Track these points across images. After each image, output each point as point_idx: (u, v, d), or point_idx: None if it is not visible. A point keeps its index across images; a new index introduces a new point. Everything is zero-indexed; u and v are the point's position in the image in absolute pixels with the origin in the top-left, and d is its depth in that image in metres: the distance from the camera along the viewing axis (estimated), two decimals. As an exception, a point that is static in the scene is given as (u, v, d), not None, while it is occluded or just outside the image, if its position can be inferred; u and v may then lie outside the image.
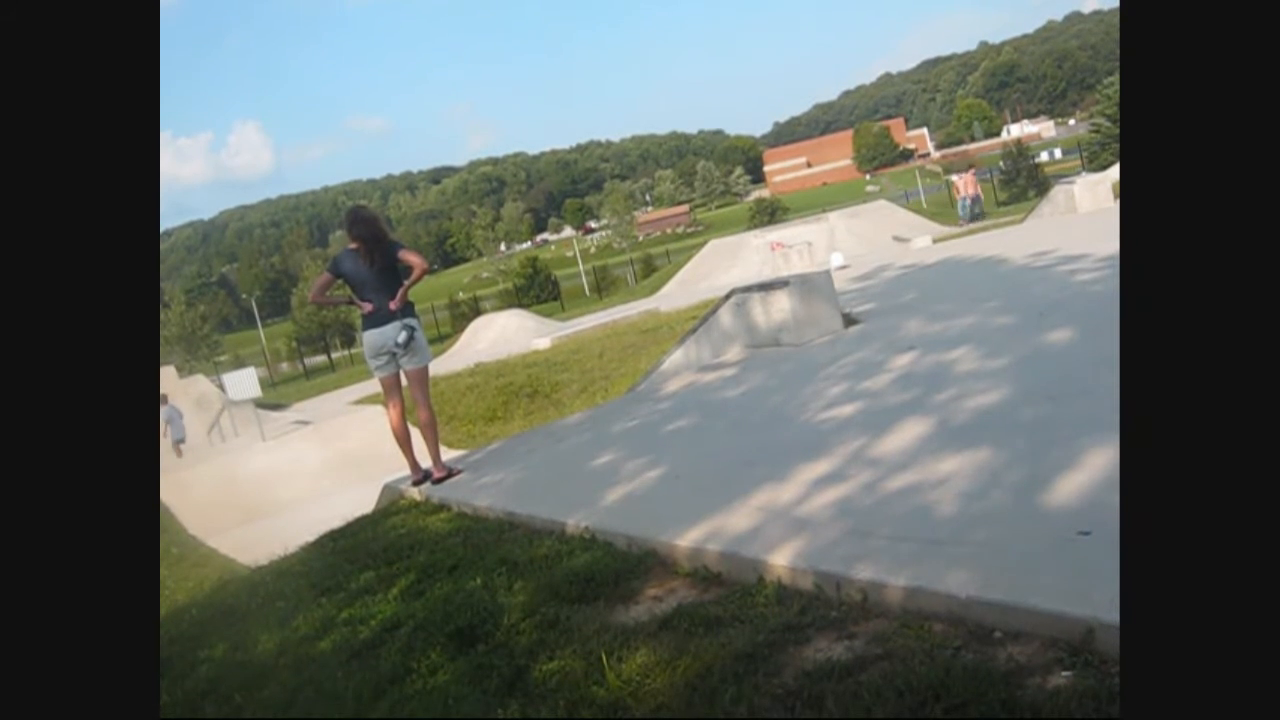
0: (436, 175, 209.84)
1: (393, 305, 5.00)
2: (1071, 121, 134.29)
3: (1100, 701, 1.70)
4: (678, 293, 24.03)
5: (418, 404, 5.18)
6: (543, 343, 18.35)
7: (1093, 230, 10.70)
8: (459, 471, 5.25)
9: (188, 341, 47.25)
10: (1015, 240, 12.65)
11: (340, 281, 5.23)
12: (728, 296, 7.48)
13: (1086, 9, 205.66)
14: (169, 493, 12.73)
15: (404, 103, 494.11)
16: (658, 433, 5.09)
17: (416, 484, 5.19)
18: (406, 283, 5.04)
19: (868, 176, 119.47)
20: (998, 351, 4.95)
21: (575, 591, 2.92)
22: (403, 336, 5.01)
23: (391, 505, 5.24)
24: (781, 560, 2.64)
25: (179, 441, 17.39)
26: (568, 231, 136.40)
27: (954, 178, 31.29)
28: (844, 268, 15.97)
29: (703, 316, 7.86)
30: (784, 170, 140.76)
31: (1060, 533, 2.37)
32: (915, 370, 4.96)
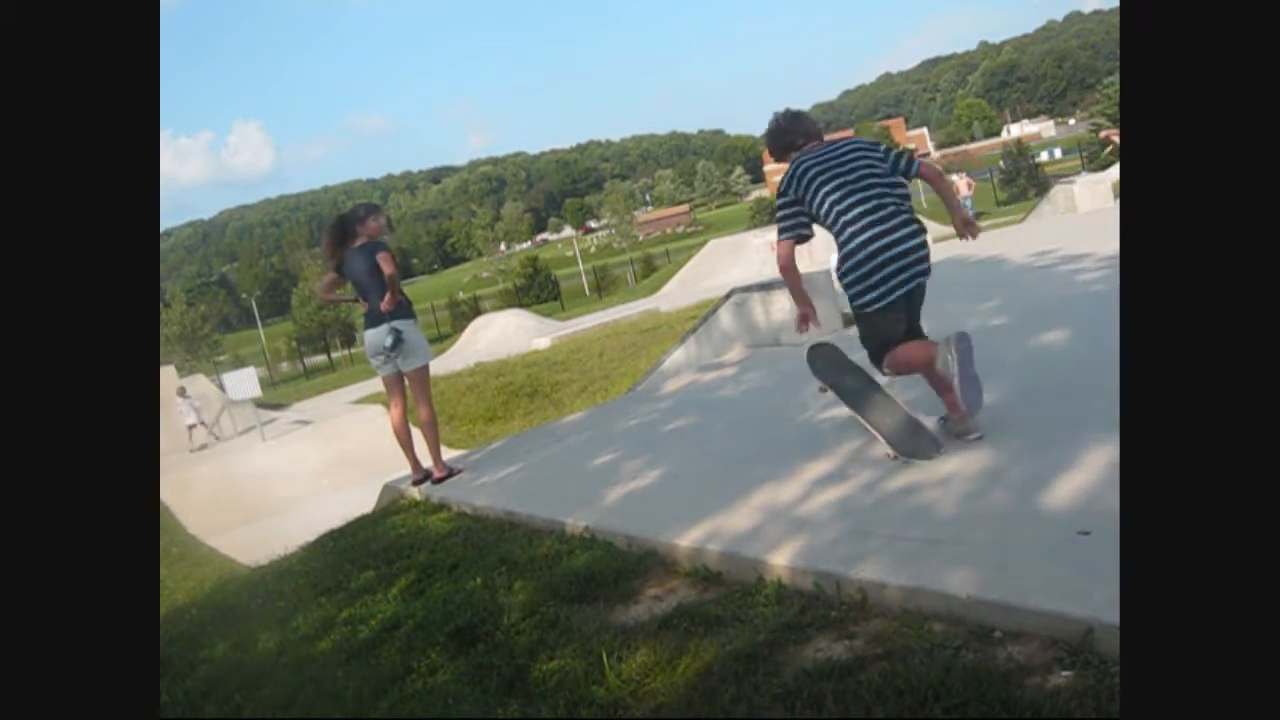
0: (436, 175, 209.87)
1: (383, 307, 4.97)
2: (1071, 121, 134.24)
3: (1100, 701, 1.70)
4: (678, 292, 24.04)
5: (418, 403, 5.17)
6: (543, 342, 18.37)
7: (1093, 230, 10.70)
8: (459, 471, 5.25)
9: (188, 341, 47.23)
10: (1016, 240, 12.65)
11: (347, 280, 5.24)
12: (728, 296, 7.48)
13: (1086, 9, 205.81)
14: (169, 493, 12.74)
15: (404, 102, 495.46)
16: (658, 432, 5.09)
17: (417, 483, 5.19)
18: (388, 288, 5.00)
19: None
20: (998, 351, 4.95)
21: (575, 591, 2.92)
22: (389, 340, 4.98)
23: (391, 505, 5.24)
24: (781, 560, 2.64)
25: (195, 427, 17.70)
26: (568, 231, 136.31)
27: (954, 178, 31.32)
28: (844, 267, 15.95)
29: (703, 316, 7.87)
30: (784, 170, 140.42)
31: (1060, 533, 2.37)
32: (915, 370, 4.95)
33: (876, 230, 3.21)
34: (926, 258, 3.34)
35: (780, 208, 3.49)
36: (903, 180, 3.38)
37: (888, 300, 3.27)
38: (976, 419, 3.32)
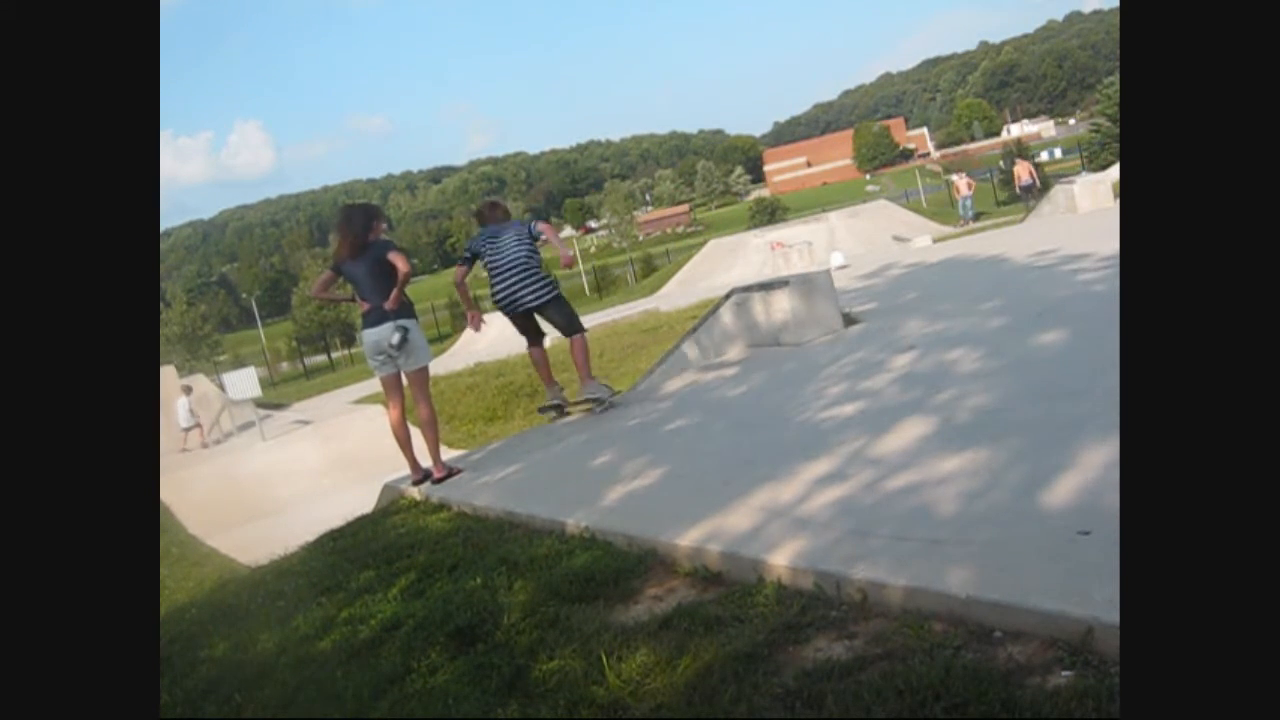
0: (436, 175, 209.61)
1: (387, 306, 4.98)
2: (1071, 121, 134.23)
3: (1100, 701, 1.70)
4: (678, 292, 24.04)
5: (417, 403, 5.17)
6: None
7: (1093, 230, 10.70)
8: (459, 471, 5.25)
9: (188, 341, 47.16)
10: (1016, 240, 12.65)
11: (343, 279, 5.24)
12: (728, 296, 7.48)
13: (1086, 9, 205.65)
14: (169, 492, 12.73)
15: (404, 102, 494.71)
16: (658, 432, 5.09)
17: (417, 483, 5.19)
18: (397, 285, 5.02)
19: (868, 176, 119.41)
20: (998, 351, 4.96)
21: (575, 591, 2.92)
22: (396, 338, 4.98)
23: (391, 505, 5.24)
24: (781, 560, 2.64)
25: (191, 429, 17.53)
26: (568, 231, 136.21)
27: (954, 178, 31.34)
28: (844, 267, 15.98)
29: (703, 316, 7.87)
30: (784, 170, 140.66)
31: (1060, 533, 2.37)
32: (915, 370, 4.96)
33: (495, 282, 5.94)
34: (524, 296, 5.86)
35: (467, 249, 6.22)
36: (531, 245, 5.95)
37: (506, 313, 6.01)
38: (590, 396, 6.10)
